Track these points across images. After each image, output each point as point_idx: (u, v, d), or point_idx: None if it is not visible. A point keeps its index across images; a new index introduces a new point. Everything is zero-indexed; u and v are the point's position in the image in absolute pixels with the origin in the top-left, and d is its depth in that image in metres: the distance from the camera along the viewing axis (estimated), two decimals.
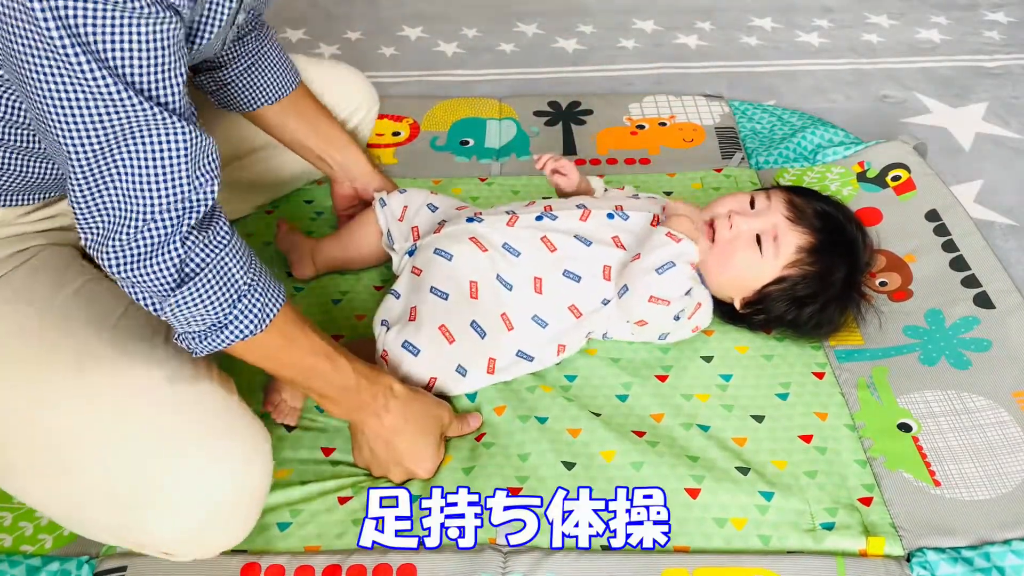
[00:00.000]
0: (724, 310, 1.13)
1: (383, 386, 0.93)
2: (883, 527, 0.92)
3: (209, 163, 0.75)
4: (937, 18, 2.03)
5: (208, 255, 0.76)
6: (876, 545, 0.90)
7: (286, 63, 1.16)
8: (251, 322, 0.80)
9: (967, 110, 1.69)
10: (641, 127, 1.58)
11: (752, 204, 1.10)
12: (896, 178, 1.37)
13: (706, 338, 1.14)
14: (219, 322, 0.79)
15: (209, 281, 0.76)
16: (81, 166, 0.71)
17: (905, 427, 1.03)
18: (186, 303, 0.76)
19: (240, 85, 1.12)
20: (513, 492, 0.95)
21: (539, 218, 1.09)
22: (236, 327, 0.79)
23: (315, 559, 0.89)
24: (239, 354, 0.83)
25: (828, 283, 1.07)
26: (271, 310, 0.82)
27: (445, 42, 1.95)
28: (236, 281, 0.79)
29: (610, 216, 1.10)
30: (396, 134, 1.56)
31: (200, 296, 0.76)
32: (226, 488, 0.82)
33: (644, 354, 1.11)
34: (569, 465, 0.98)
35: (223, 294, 0.77)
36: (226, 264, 0.78)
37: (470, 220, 1.09)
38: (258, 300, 0.80)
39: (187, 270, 0.75)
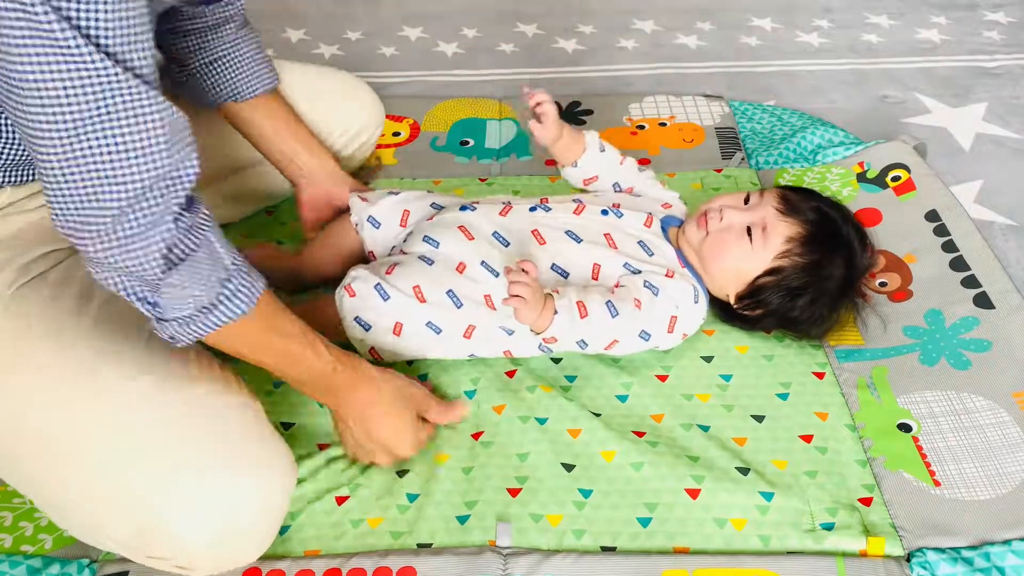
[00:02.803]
0: (720, 308, 1.13)
1: (356, 369, 0.93)
2: (883, 527, 0.92)
3: (187, 136, 0.73)
4: (937, 18, 2.03)
5: (197, 235, 0.75)
6: (876, 545, 0.90)
7: (259, 65, 1.14)
8: (241, 301, 0.79)
9: (967, 110, 1.69)
10: (641, 127, 1.58)
11: (746, 201, 1.10)
12: (896, 178, 1.37)
13: (706, 338, 1.14)
14: (209, 303, 0.77)
15: (201, 260, 0.75)
16: (55, 143, 0.68)
17: (905, 427, 1.03)
18: (181, 283, 0.75)
19: (204, 78, 1.11)
20: (512, 493, 0.95)
21: (533, 209, 1.09)
22: (226, 307, 0.78)
23: (315, 563, 0.89)
24: (216, 342, 0.82)
25: (820, 276, 1.07)
26: (257, 289, 0.81)
27: (445, 42, 1.95)
28: (223, 260, 0.78)
29: (604, 212, 1.10)
30: (396, 134, 1.56)
31: (193, 276, 0.75)
32: (250, 504, 0.82)
33: (644, 354, 1.11)
34: (569, 467, 0.98)
35: (213, 274, 0.77)
36: (212, 243, 0.77)
37: (463, 208, 1.09)
38: (245, 279, 0.80)
39: (177, 251, 0.74)
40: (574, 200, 1.11)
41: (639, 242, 1.09)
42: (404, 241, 1.10)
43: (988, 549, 0.90)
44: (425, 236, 1.07)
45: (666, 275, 1.06)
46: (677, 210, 1.17)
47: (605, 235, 1.08)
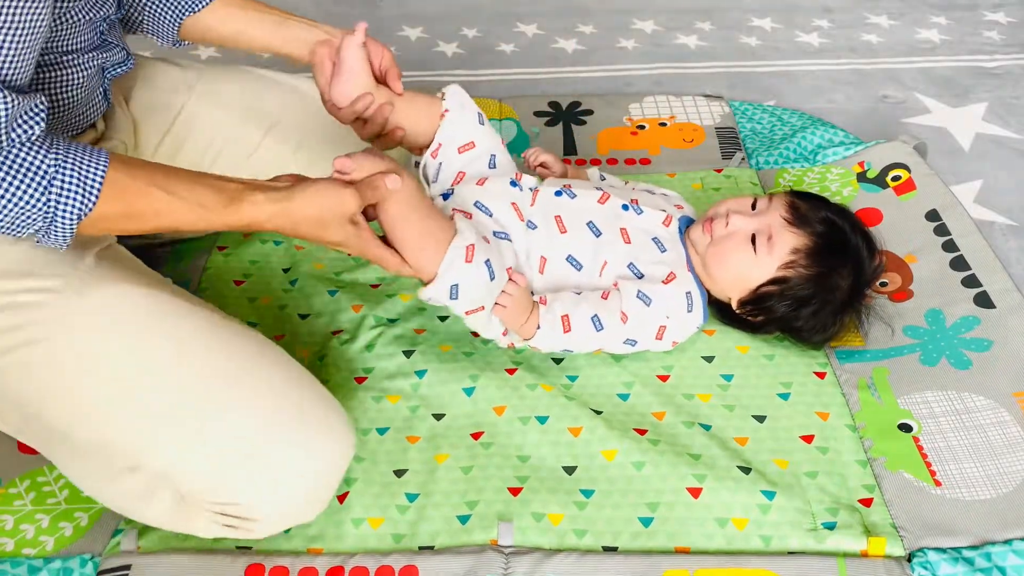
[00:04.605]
0: (721, 310, 1.13)
1: (260, 202, 0.84)
2: (884, 527, 0.92)
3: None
4: (937, 18, 2.03)
5: None
6: (877, 545, 0.90)
7: None
8: (76, 196, 0.75)
9: (967, 110, 1.69)
10: (641, 127, 1.58)
11: (754, 206, 1.10)
12: (896, 178, 1.37)
13: (707, 338, 1.14)
14: (46, 213, 0.75)
15: (3, 178, 0.72)
16: None
17: (906, 427, 1.03)
18: None
19: (154, 4, 1.06)
20: (513, 492, 0.95)
21: (558, 193, 1.09)
22: (65, 210, 0.75)
23: (318, 560, 0.89)
24: (104, 231, 0.81)
25: (825, 287, 1.06)
26: (94, 178, 0.76)
27: (445, 42, 1.95)
28: (37, 166, 0.74)
29: (625, 207, 1.10)
30: None
31: (2, 197, 0.72)
32: (318, 464, 0.86)
33: (645, 354, 1.11)
34: (570, 468, 0.98)
35: (28, 184, 0.73)
36: (17, 155, 0.73)
37: (513, 184, 1.08)
38: (72, 173, 0.75)
39: None
40: (597, 188, 1.11)
41: (654, 238, 1.09)
42: (448, 199, 1.05)
43: (989, 549, 0.90)
44: (477, 202, 1.04)
45: (665, 280, 1.06)
46: (688, 211, 1.18)
47: (621, 229, 1.08)
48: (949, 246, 1.25)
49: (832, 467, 0.98)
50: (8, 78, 0.72)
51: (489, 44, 1.94)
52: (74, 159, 0.76)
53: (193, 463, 0.83)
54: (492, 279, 0.96)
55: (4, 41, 0.71)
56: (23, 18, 0.71)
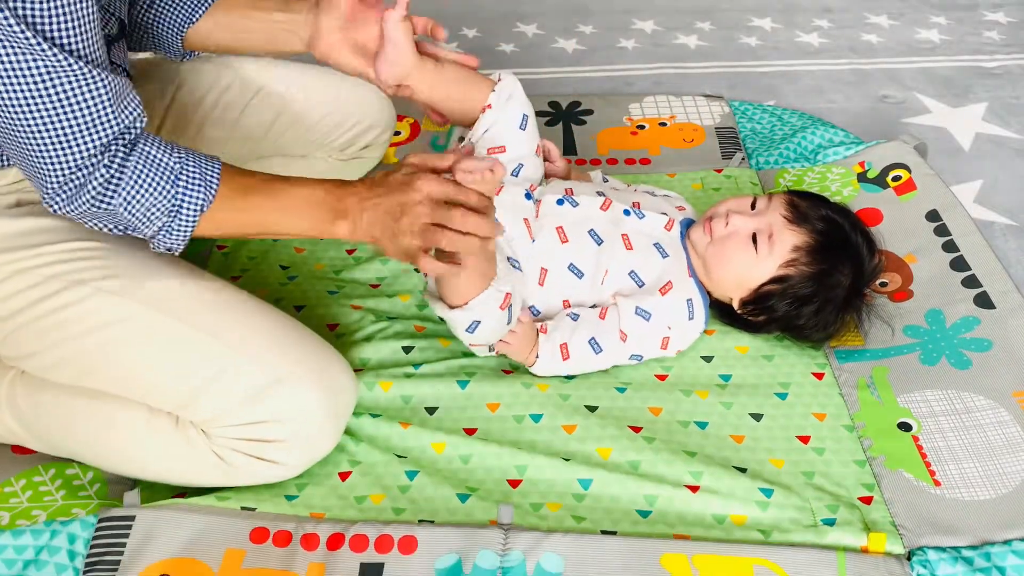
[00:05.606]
0: (722, 311, 1.13)
1: (348, 192, 0.91)
2: (884, 525, 0.92)
3: (132, 99, 0.83)
4: (937, 18, 2.03)
5: (129, 154, 0.82)
6: (877, 542, 0.90)
7: None
8: (199, 190, 0.85)
9: (967, 110, 1.69)
10: (641, 127, 1.58)
11: (753, 205, 1.10)
12: (896, 178, 1.37)
13: (707, 337, 1.14)
14: (173, 207, 0.85)
15: (141, 171, 0.83)
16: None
17: (905, 426, 1.03)
18: (133, 198, 0.83)
19: (155, 22, 1.08)
20: (512, 484, 0.96)
21: (560, 202, 1.08)
22: (189, 202, 0.85)
23: (320, 527, 0.91)
24: (217, 232, 0.89)
25: (826, 285, 1.06)
26: (212, 174, 0.86)
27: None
28: (166, 163, 0.84)
29: (626, 212, 1.10)
30: (396, 133, 1.55)
31: (140, 187, 0.83)
32: (341, 384, 0.94)
33: None
34: (567, 466, 0.97)
35: (160, 178, 0.84)
36: (149, 152, 0.83)
37: (528, 197, 1.07)
38: (194, 170, 0.85)
39: (114, 172, 0.82)
40: (599, 193, 1.11)
41: (655, 243, 1.09)
42: None
43: (988, 549, 0.90)
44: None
45: (663, 289, 1.06)
46: (690, 212, 1.17)
47: (623, 235, 1.08)
48: (949, 246, 1.25)
49: (829, 467, 0.98)
50: (93, 58, 0.80)
51: (489, 44, 1.94)
52: (194, 158, 0.86)
53: (224, 386, 0.89)
54: (508, 323, 0.99)
55: (79, 25, 0.77)
56: (85, 9, 0.78)
